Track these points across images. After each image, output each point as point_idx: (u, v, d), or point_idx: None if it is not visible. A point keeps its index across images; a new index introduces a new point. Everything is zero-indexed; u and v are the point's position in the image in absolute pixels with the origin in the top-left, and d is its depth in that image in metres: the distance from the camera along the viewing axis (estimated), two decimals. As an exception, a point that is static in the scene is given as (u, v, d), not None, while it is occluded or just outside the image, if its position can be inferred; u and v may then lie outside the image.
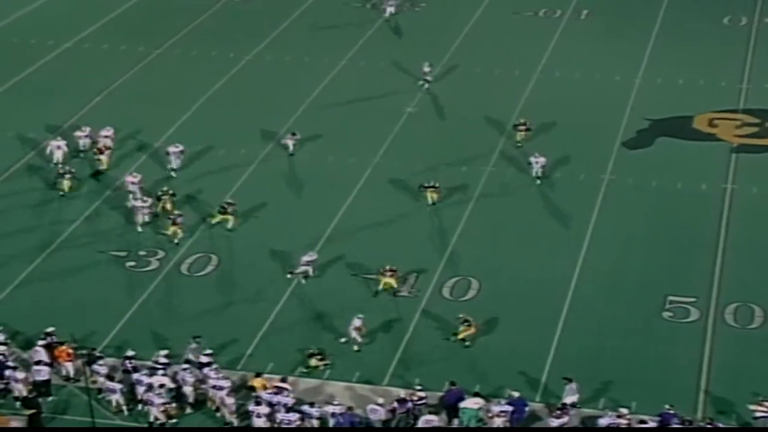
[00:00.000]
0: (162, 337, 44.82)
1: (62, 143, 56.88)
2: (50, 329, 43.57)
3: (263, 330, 45.49)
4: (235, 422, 40.42)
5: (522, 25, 74.69)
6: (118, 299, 47.49)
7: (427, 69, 65.33)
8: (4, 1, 78.08)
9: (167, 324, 45.93)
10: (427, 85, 65.07)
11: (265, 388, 40.99)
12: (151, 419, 40.62)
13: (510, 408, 40.12)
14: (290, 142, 58.21)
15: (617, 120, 61.43)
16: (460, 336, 44.15)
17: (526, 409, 40.31)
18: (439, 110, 63.17)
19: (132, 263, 49.90)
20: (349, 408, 40.23)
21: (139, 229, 51.58)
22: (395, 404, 40.46)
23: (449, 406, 40.59)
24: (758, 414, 40.02)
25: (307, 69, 67.94)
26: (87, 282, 48.73)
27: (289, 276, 47.42)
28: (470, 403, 40.27)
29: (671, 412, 39.56)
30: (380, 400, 40.60)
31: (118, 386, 41.21)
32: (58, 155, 56.46)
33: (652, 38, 71.46)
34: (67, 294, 47.87)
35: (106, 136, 57.60)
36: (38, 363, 42.22)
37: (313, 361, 42.97)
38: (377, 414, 40.18)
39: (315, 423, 39.88)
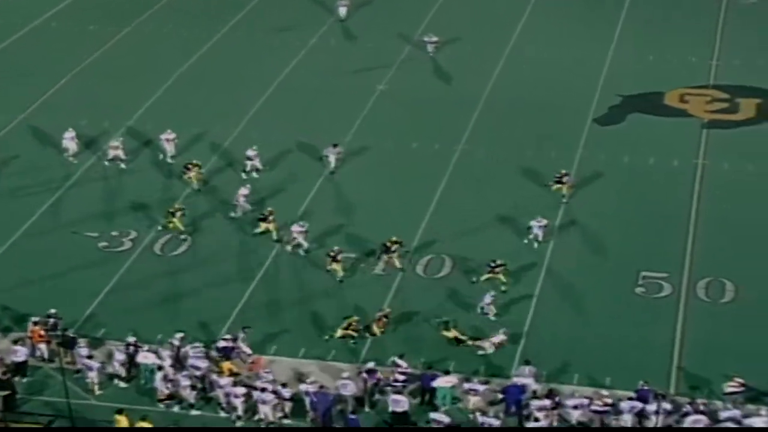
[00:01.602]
0: (136, 318, 44.96)
1: (74, 134, 55.97)
2: (53, 311, 43.75)
3: (236, 310, 45.70)
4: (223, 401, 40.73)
5: (492, 3, 74.88)
6: (91, 280, 47.59)
7: (429, 39, 66.58)
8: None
9: (141, 305, 46.03)
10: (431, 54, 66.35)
11: (231, 371, 41.15)
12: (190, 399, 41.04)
13: (481, 387, 40.57)
14: (332, 156, 54.90)
15: (589, 97, 61.79)
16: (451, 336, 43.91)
17: (523, 396, 40.21)
18: (411, 89, 63.35)
19: (104, 244, 50.04)
20: (321, 386, 40.56)
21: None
22: (365, 375, 40.84)
23: (426, 388, 40.91)
24: (729, 389, 40.49)
25: (277, 48, 68.06)
26: (60, 263, 48.65)
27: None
28: (442, 382, 40.64)
29: (646, 388, 40.06)
30: (345, 374, 40.95)
31: (96, 364, 41.51)
32: (72, 146, 55.68)
33: (623, 14, 71.85)
34: (40, 275, 47.78)
35: (168, 140, 55.78)
36: (16, 342, 42.54)
37: (340, 332, 43.48)
38: (348, 388, 40.53)
39: (288, 403, 40.22)
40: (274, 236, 49.58)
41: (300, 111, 60.85)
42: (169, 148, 56.04)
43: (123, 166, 55.31)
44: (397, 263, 47.58)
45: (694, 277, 47.49)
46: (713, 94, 62.29)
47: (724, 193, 53.37)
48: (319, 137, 57.32)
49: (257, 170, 54.76)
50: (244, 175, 54.24)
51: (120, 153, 55.42)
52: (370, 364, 41.57)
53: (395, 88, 63.35)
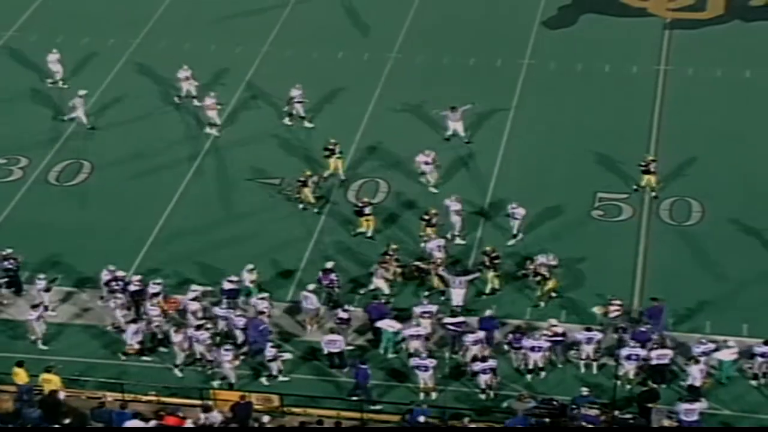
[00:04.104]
0: (37, 254, 45.65)
1: (188, 73, 54.41)
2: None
3: (148, 243, 46.69)
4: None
5: None
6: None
7: None
8: None
9: (38, 240, 46.64)
10: None
11: (164, 311, 42.32)
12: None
13: (432, 307, 42.05)
14: (460, 125, 51.48)
15: (536, -5, 61.84)
16: None
17: (497, 332, 41.41)
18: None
19: (22, 173, 50.46)
20: (260, 312, 42.08)
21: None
22: (320, 274, 43.28)
23: (372, 322, 42.15)
24: (613, 313, 41.50)
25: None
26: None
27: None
28: (384, 325, 41.64)
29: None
30: (311, 287, 42.76)
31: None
32: (189, 87, 54.30)
33: None
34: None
35: (187, 78, 53.78)
36: None
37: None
38: (309, 301, 42.47)
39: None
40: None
41: (210, 18, 61.24)
42: (186, 87, 54.05)
43: None
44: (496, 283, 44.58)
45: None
46: (676, -11, 62.07)
47: (689, 102, 53.85)
48: (234, 47, 58.11)
49: (302, 117, 52.44)
50: (287, 121, 52.86)
51: None
52: (329, 264, 43.24)
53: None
